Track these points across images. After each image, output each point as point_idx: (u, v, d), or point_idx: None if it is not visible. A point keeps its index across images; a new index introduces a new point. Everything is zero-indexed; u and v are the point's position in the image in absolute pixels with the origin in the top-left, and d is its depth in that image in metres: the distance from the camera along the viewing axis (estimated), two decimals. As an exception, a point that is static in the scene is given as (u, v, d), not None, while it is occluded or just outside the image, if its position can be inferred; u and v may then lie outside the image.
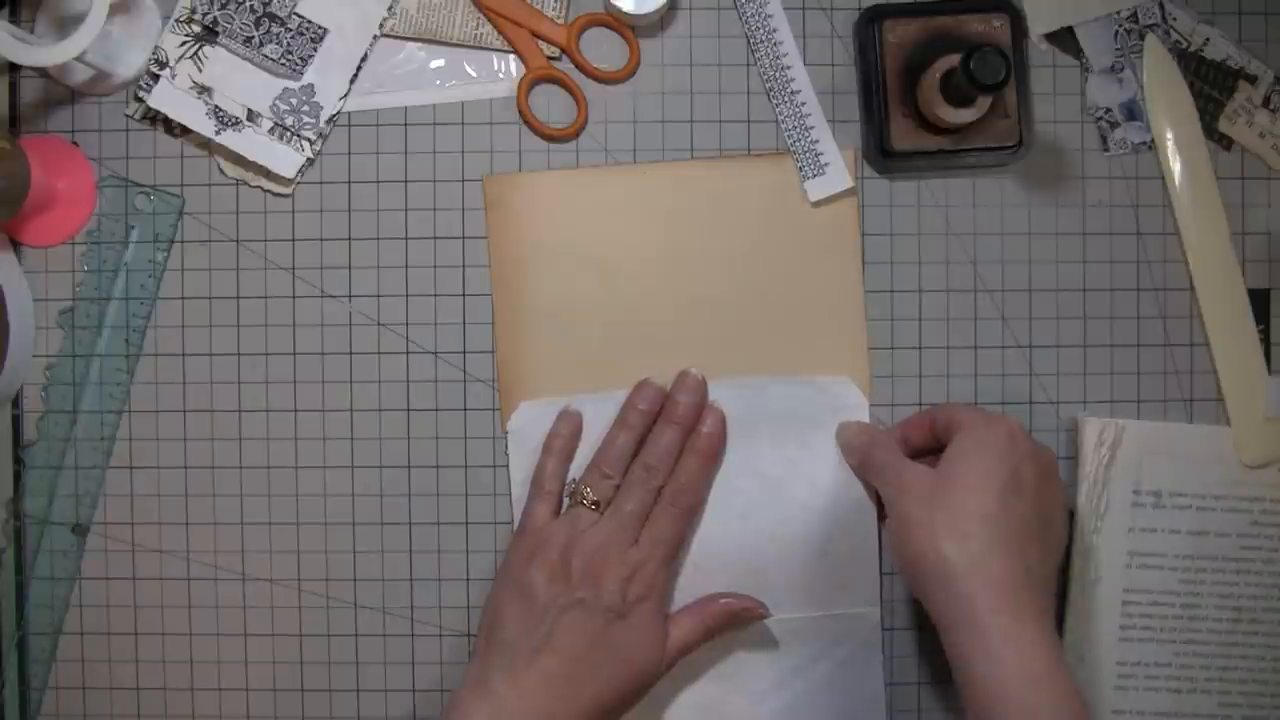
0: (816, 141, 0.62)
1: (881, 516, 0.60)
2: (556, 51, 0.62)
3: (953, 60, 0.57)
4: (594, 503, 0.58)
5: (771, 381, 0.62)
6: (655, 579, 0.57)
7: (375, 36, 0.62)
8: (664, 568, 0.58)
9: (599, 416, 0.61)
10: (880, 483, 0.58)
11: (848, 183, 0.61)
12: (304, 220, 0.62)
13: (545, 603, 0.56)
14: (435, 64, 0.62)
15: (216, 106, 0.61)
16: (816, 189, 0.62)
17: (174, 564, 0.62)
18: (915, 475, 0.56)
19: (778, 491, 0.61)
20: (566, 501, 0.59)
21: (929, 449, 0.59)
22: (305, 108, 0.61)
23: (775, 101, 0.62)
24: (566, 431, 0.61)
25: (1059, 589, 0.61)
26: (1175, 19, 0.62)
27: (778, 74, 0.62)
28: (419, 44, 0.62)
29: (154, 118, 0.62)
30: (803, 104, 0.62)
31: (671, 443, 0.59)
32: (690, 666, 0.60)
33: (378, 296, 0.62)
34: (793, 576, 0.61)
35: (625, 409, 0.60)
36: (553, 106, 0.62)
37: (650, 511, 0.58)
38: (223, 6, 0.61)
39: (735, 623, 0.60)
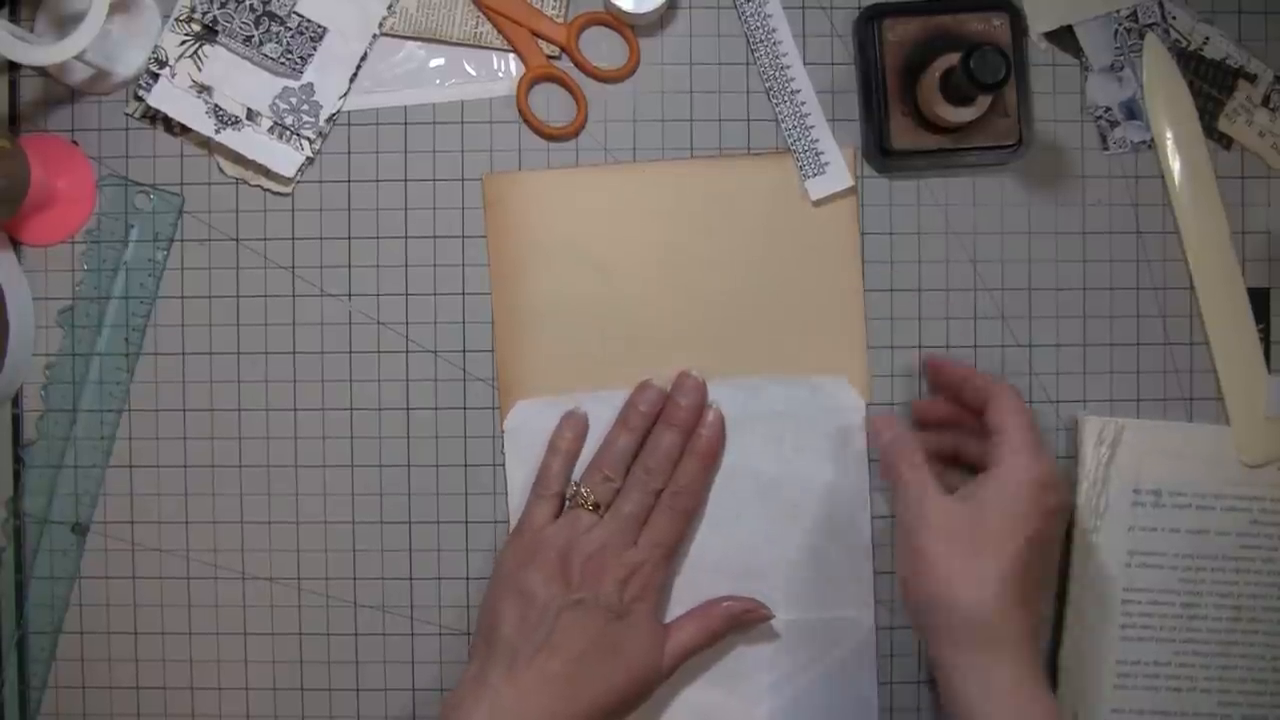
0: (817, 140, 0.62)
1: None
2: (556, 50, 0.62)
3: (952, 59, 0.57)
4: (594, 505, 0.58)
5: (769, 382, 0.62)
6: (652, 579, 0.57)
7: (375, 35, 0.62)
8: (661, 569, 0.58)
9: (596, 417, 0.61)
10: (899, 500, 0.55)
11: (848, 181, 0.61)
12: (304, 219, 0.62)
13: (544, 603, 0.55)
14: (435, 63, 0.62)
15: (216, 105, 0.61)
16: (817, 188, 0.62)
17: (174, 563, 0.62)
18: (938, 509, 0.53)
19: (772, 492, 0.61)
20: (567, 504, 0.59)
21: (959, 399, 0.59)
22: (305, 107, 0.61)
23: (775, 101, 0.62)
24: (572, 433, 0.61)
25: (1059, 589, 0.62)
26: (1175, 18, 0.62)
27: (777, 73, 0.62)
28: (419, 43, 0.62)
29: (154, 117, 0.62)
30: (802, 103, 0.62)
31: (671, 445, 0.59)
32: (686, 670, 0.60)
33: (377, 295, 0.62)
34: (786, 579, 0.61)
35: (626, 410, 0.60)
36: (552, 105, 0.62)
37: (649, 513, 0.58)
38: (222, 5, 0.61)
39: (737, 625, 0.60)
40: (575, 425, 0.61)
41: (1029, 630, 0.52)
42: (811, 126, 0.62)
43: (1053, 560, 0.56)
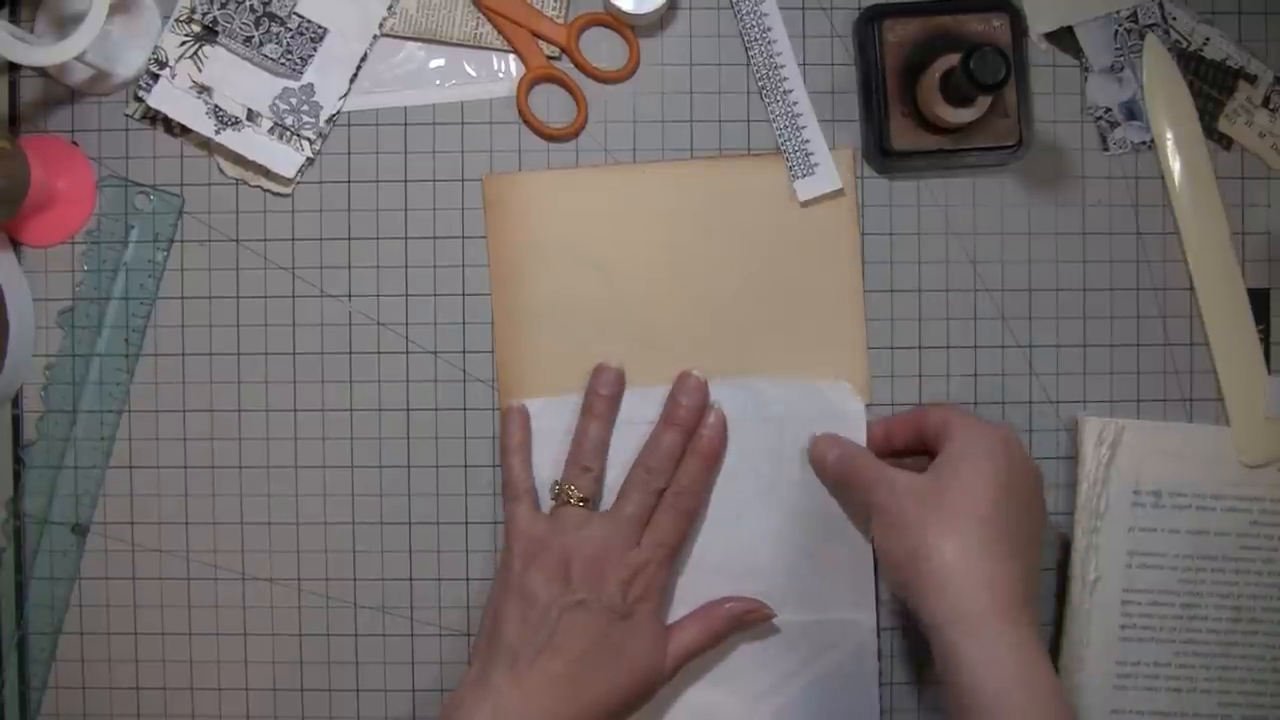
0: (808, 142, 0.61)
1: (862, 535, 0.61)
2: (556, 51, 0.62)
3: (952, 60, 0.57)
4: (581, 499, 0.58)
5: (769, 385, 0.62)
6: (655, 580, 0.57)
7: (375, 36, 0.62)
8: (665, 569, 0.58)
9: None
10: (865, 487, 0.56)
11: (837, 183, 0.61)
12: (303, 220, 0.62)
13: (546, 604, 0.55)
14: (435, 63, 0.62)
15: (216, 106, 0.61)
16: (805, 189, 0.61)
17: (174, 564, 0.62)
18: (906, 476, 0.55)
19: (773, 494, 0.61)
20: (551, 501, 0.59)
21: (914, 450, 0.59)
22: (305, 107, 0.61)
23: (768, 100, 0.62)
24: (519, 429, 0.61)
25: (1058, 589, 0.62)
26: (1175, 18, 0.62)
27: (771, 73, 0.62)
28: (419, 43, 0.62)
29: (154, 117, 0.62)
30: (795, 103, 0.62)
31: (673, 445, 0.59)
32: (687, 670, 0.59)
33: (377, 296, 0.62)
34: (787, 580, 0.61)
35: (589, 397, 0.60)
36: (552, 106, 0.62)
37: (651, 514, 0.58)
38: (222, 6, 0.61)
39: (740, 626, 0.60)
40: (518, 418, 0.61)
41: (1019, 581, 0.52)
42: (803, 127, 0.62)
43: (1035, 516, 0.55)
